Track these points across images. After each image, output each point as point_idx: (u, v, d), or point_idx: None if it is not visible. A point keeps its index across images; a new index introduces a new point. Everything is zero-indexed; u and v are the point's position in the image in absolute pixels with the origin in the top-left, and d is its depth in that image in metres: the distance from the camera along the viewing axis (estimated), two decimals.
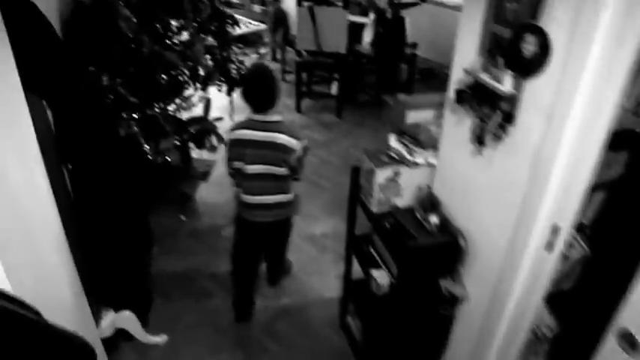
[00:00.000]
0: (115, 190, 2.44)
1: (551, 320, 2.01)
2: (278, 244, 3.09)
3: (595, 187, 1.66)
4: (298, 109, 5.92)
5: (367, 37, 5.74)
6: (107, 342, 2.50)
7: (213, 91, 3.82)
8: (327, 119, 5.80)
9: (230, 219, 3.80)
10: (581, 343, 1.87)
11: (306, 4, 5.63)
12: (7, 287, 1.35)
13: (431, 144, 2.20)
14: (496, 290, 1.91)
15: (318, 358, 2.86)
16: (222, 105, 4.57)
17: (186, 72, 3.31)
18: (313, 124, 5.66)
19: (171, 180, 3.90)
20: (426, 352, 2.48)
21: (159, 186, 3.62)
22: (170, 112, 3.43)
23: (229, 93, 3.89)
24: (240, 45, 4.27)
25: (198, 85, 3.53)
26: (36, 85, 1.76)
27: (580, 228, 1.89)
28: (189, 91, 3.55)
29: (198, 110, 3.78)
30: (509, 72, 1.61)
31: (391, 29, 5.54)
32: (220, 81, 3.73)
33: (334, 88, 6.13)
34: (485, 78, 1.71)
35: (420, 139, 2.22)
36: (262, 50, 7.38)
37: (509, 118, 1.64)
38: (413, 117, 2.28)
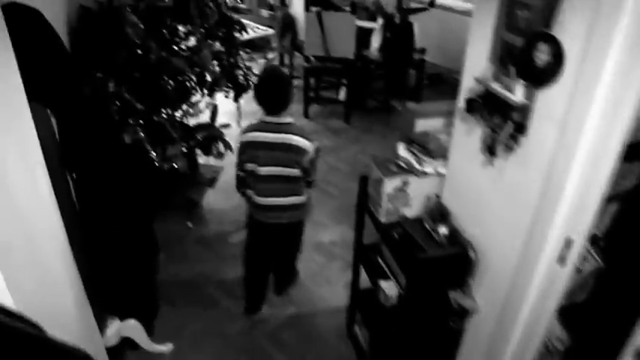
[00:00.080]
0: (120, 197, 2.43)
1: (563, 333, 1.96)
2: (291, 247, 3.10)
3: (609, 199, 1.62)
4: (306, 115, 5.90)
5: (375, 42, 5.71)
6: (112, 351, 2.48)
7: (220, 98, 3.81)
8: (335, 125, 5.77)
9: (237, 225, 3.81)
10: (593, 356, 1.83)
11: (314, 9, 5.62)
12: (7, 297, 1.33)
13: (440, 153, 2.16)
14: (507, 304, 1.87)
15: None
16: (229, 111, 4.55)
17: (194, 78, 3.29)
18: (321, 129, 5.63)
19: (178, 186, 3.89)
20: None
21: (165, 193, 3.61)
22: (177, 118, 3.42)
23: (236, 99, 3.88)
24: (248, 50, 4.26)
25: (205, 91, 3.52)
26: (40, 93, 1.74)
27: (593, 240, 1.84)
28: (196, 97, 3.54)
29: (205, 117, 3.77)
30: (521, 81, 1.58)
31: (399, 35, 5.51)
32: (227, 87, 3.72)
33: (342, 94, 6.11)
34: (497, 87, 1.67)
35: (430, 148, 2.18)
36: (270, 55, 7.39)
37: (521, 128, 1.61)
38: (422, 125, 2.25)
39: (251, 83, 3.82)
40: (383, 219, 2.21)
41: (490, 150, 1.77)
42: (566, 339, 1.96)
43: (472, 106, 1.81)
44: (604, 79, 1.29)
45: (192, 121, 3.65)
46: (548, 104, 1.51)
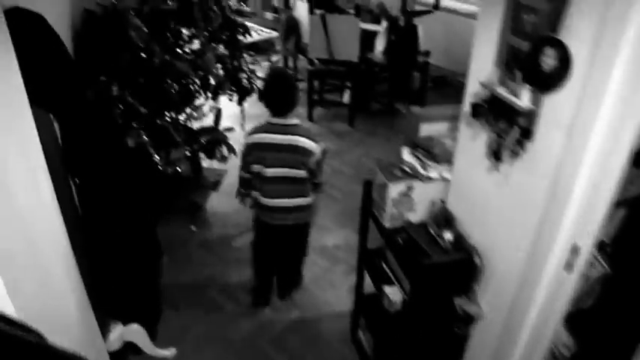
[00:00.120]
0: (123, 201, 2.42)
1: (569, 339, 1.94)
2: (296, 250, 3.10)
3: (616, 204, 1.60)
4: (310, 118, 5.88)
5: (380, 45, 5.69)
6: (115, 356, 2.47)
7: (224, 101, 3.80)
8: (339, 128, 5.76)
9: (241, 229, 3.80)
10: None
11: (318, 12, 5.61)
12: (7, 302, 1.32)
13: (445, 158, 2.14)
14: (512, 310, 1.85)
15: None
16: (233, 114, 4.55)
17: (197, 81, 3.29)
18: (325, 132, 5.61)
19: (182, 190, 3.89)
20: None
21: (169, 196, 3.60)
22: (181, 122, 3.42)
23: (240, 102, 3.87)
24: (252, 53, 4.26)
25: (209, 94, 3.51)
26: (42, 98, 1.73)
27: (601, 246, 1.82)
28: (199, 101, 3.53)
29: (208, 120, 3.76)
30: (528, 86, 1.56)
31: (404, 37, 5.49)
32: (231, 90, 3.71)
33: (346, 97, 6.08)
34: (502, 92, 1.66)
35: (434, 152, 2.16)
36: (274, 58, 7.38)
37: (527, 134, 1.59)
38: (426, 129, 2.24)
39: (255, 87, 3.81)
40: (387, 224, 2.19)
41: (496, 155, 1.76)
42: (573, 345, 1.94)
43: (477, 110, 1.80)
44: (613, 84, 1.28)
45: (195, 125, 3.64)
46: (555, 109, 1.49)
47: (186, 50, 3.25)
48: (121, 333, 2.56)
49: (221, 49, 3.61)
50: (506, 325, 1.90)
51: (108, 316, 2.50)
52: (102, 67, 2.45)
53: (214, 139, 3.61)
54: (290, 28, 6.72)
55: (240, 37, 3.77)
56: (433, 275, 2.02)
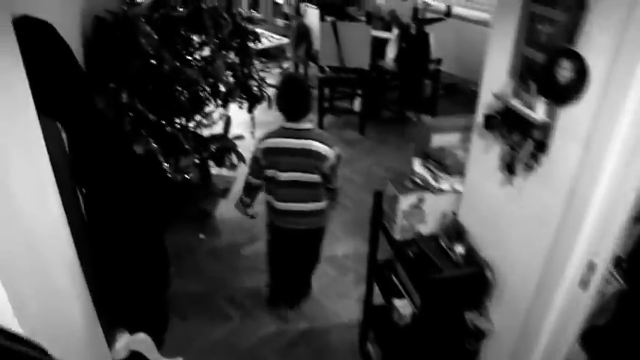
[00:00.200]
0: (131, 209, 2.41)
1: (583, 356, 1.89)
2: (309, 255, 3.08)
3: (635, 219, 1.55)
4: (320, 125, 5.85)
5: (391, 52, 5.66)
6: None
7: (234, 108, 3.79)
8: (349, 136, 5.73)
9: (250, 236, 3.77)
10: None
11: (329, 19, 5.60)
12: (9, 310, 1.29)
13: (457, 169, 2.10)
14: (525, 327, 1.80)
15: None
16: (243, 121, 4.53)
17: (207, 88, 3.28)
18: (335, 140, 5.56)
19: (191, 197, 3.87)
20: None
21: (178, 204, 3.59)
22: (190, 129, 3.41)
23: (250, 110, 3.86)
24: (263, 59, 4.26)
25: (219, 101, 3.50)
26: (50, 107, 1.72)
27: (617, 262, 1.77)
28: (209, 108, 3.52)
29: (218, 128, 3.75)
30: (543, 98, 1.52)
31: (415, 45, 5.47)
32: (241, 98, 3.70)
33: (357, 105, 6.06)
34: (516, 104, 1.62)
35: (446, 163, 2.12)
36: (285, 65, 7.38)
37: (542, 147, 1.55)
38: (438, 140, 2.20)
39: (265, 94, 3.80)
40: (397, 236, 2.15)
41: (509, 168, 1.72)
42: None
43: (490, 122, 1.76)
44: (632, 97, 1.24)
45: (205, 132, 3.63)
46: (572, 122, 1.45)
47: (197, 57, 3.24)
48: (127, 342, 2.54)
49: (231, 56, 3.60)
50: (518, 341, 1.86)
51: (114, 324, 2.48)
52: (112, 74, 2.44)
53: (224, 147, 3.60)
54: (301, 35, 6.72)
55: (251, 44, 3.76)
56: (444, 289, 1.98)
